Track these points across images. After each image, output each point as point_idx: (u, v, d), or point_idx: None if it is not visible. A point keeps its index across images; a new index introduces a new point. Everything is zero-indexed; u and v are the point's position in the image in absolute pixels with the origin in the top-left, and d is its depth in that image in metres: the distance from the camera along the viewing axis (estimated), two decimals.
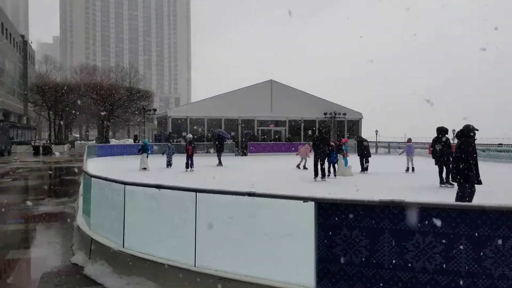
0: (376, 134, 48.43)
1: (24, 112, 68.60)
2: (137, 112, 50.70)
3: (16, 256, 7.03)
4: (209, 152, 33.53)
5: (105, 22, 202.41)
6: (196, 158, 21.26)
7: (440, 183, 13.27)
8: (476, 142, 8.66)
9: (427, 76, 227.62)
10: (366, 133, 43.07)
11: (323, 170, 15.39)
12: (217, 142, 23.63)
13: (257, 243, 4.44)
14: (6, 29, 59.01)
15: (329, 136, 39.94)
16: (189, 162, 19.51)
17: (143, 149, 20.21)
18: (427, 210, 3.57)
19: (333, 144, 17.27)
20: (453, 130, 30.86)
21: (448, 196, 11.34)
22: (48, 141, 50.48)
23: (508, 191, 12.17)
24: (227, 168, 21.58)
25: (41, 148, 39.96)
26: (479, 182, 8.45)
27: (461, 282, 3.44)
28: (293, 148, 36.46)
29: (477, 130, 8.55)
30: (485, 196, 11.14)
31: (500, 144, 28.22)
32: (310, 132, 41.16)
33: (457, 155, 8.38)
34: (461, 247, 3.44)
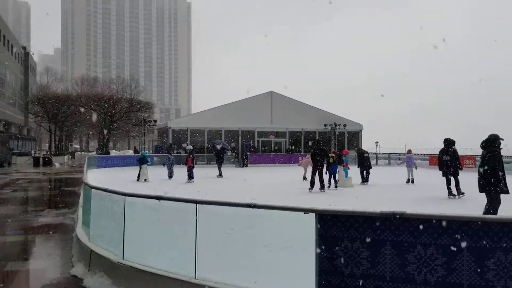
0: (376, 145, 48.46)
1: (25, 123, 68.76)
2: (137, 124, 50.81)
3: (15, 268, 6.99)
4: (210, 163, 33.49)
5: (106, 34, 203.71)
6: (197, 169, 21.23)
7: (448, 195, 13.26)
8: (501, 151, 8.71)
9: (428, 88, 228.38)
10: (366, 144, 43.10)
11: (321, 181, 15.37)
12: (216, 152, 23.62)
13: (257, 254, 4.41)
14: (8, 41, 59.38)
15: (327, 147, 40.03)
16: (190, 173, 19.48)
17: (142, 161, 20.20)
18: (428, 222, 3.56)
19: (333, 155, 17.25)
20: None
21: (449, 207, 11.31)
22: (48, 152, 50.52)
23: (509, 201, 12.13)
24: (228, 179, 21.54)
25: (41, 159, 39.95)
26: (507, 192, 8.45)
27: None
28: (293, 160, 36.50)
29: (502, 139, 8.60)
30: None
31: None
32: (310, 143, 41.18)
33: (485, 166, 8.43)
34: (463, 259, 3.42)
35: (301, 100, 42.88)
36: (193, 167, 19.86)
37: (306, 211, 4.05)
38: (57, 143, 55.76)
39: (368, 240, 3.76)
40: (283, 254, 4.21)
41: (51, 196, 17.74)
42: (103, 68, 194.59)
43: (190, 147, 22.47)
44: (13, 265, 7.08)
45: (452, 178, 13.19)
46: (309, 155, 16.83)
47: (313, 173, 15.44)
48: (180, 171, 21.13)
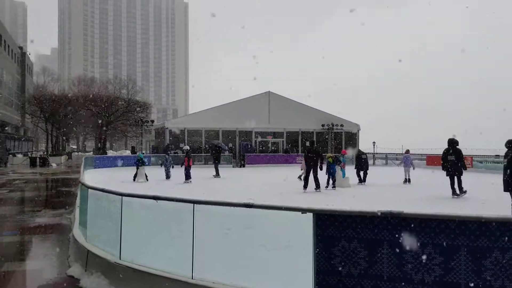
0: (374, 145, 48.53)
1: (22, 124, 68.55)
2: (134, 124, 50.76)
3: (11, 268, 6.96)
4: (207, 164, 33.47)
5: (103, 34, 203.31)
6: (194, 169, 21.22)
7: (452, 194, 13.37)
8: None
9: (428, 88, 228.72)
10: (364, 144, 43.24)
11: (316, 180, 15.43)
12: (214, 152, 23.64)
13: (255, 254, 4.40)
14: (5, 41, 59.18)
15: (325, 148, 40.09)
16: (187, 173, 19.48)
17: (139, 163, 20.23)
18: (425, 221, 3.56)
19: (331, 155, 17.31)
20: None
21: (447, 207, 11.34)
22: (45, 153, 50.38)
23: (506, 203, 12.18)
24: (225, 179, 21.53)
25: (38, 160, 39.84)
26: None
27: None
28: (291, 160, 36.54)
29: None
30: (484, 207, 11.16)
31: (497, 156, 28.33)
32: (308, 143, 41.24)
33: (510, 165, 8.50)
34: (461, 258, 3.42)
35: (299, 101, 42.95)
36: (190, 167, 19.86)
37: (304, 210, 4.05)
38: (54, 143, 55.62)
39: (365, 239, 3.76)
40: (281, 254, 4.21)
41: (48, 196, 17.69)
42: (100, 68, 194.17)
43: (187, 147, 22.44)
44: (9, 266, 7.05)
45: (455, 178, 13.34)
46: None
47: (307, 174, 15.63)
48: (178, 172, 21.10)
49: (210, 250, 4.72)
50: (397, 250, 3.63)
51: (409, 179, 18.59)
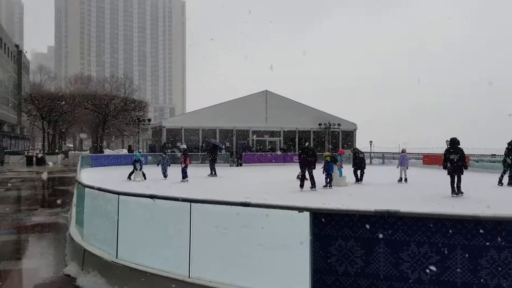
0: (371, 144, 48.57)
1: (18, 122, 68.29)
2: (131, 123, 50.64)
3: (7, 267, 6.94)
4: (204, 163, 33.44)
5: (100, 32, 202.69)
6: (191, 168, 21.20)
7: (452, 193, 13.48)
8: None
9: (427, 87, 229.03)
10: (360, 143, 43.10)
11: (311, 178, 15.51)
12: (210, 150, 23.64)
13: (252, 253, 4.41)
14: (1, 39, 58.92)
15: (322, 147, 40.16)
16: (184, 172, 19.45)
17: (136, 162, 20.19)
18: (422, 220, 3.57)
19: (328, 153, 17.34)
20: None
21: (443, 206, 11.36)
22: (42, 151, 50.22)
23: (502, 202, 12.23)
24: (222, 178, 21.52)
25: (34, 158, 39.70)
26: None
27: None
28: (288, 159, 36.56)
29: None
30: (480, 206, 11.18)
31: (493, 155, 28.43)
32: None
33: None
34: (457, 257, 3.43)
35: (296, 100, 42.95)
36: (187, 166, 19.83)
37: (301, 209, 4.05)
38: (50, 142, 55.42)
39: (362, 238, 3.76)
40: (278, 253, 4.22)
41: (44, 195, 17.63)
42: (96, 66, 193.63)
43: (184, 146, 22.39)
44: (6, 265, 7.04)
45: (456, 177, 13.47)
46: None
47: (303, 173, 15.74)
48: (175, 171, 21.08)
49: (207, 249, 4.71)
50: (394, 249, 3.64)
51: (406, 178, 18.64)
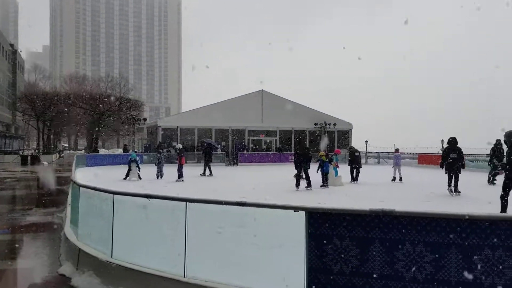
0: (366, 144, 48.63)
1: (13, 121, 68.03)
2: (127, 122, 50.51)
3: (2, 267, 6.91)
4: (200, 162, 33.40)
5: (96, 31, 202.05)
6: (186, 168, 21.17)
7: (449, 192, 13.60)
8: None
9: (426, 88, 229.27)
10: (356, 143, 43.11)
11: (307, 178, 15.59)
12: (204, 149, 23.64)
13: (247, 253, 4.41)
14: None
15: (318, 146, 40.17)
16: (179, 172, 19.44)
17: (132, 162, 20.15)
18: (417, 220, 3.58)
19: (323, 153, 17.34)
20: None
21: (438, 205, 11.40)
22: (37, 151, 50.02)
23: (497, 201, 12.27)
24: (218, 178, 21.51)
25: (29, 158, 39.55)
26: None
27: None
28: (284, 159, 36.58)
29: None
30: (475, 205, 11.23)
31: (488, 155, 28.54)
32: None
33: None
34: (451, 256, 3.44)
35: (292, 99, 42.97)
36: (182, 166, 19.82)
37: (296, 209, 4.05)
38: (45, 141, 55.22)
39: (357, 237, 3.77)
40: (273, 252, 4.22)
41: (39, 194, 17.56)
42: (92, 66, 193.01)
43: (180, 146, 22.38)
44: (0, 264, 7.00)
45: (453, 176, 13.56)
46: None
47: (298, 173, 15.80)
48: (170, 170, 21.05)
49: (202, 248, 4.71)
50: (389, 248, 3.65)
51: (401, 178, 18.72)
